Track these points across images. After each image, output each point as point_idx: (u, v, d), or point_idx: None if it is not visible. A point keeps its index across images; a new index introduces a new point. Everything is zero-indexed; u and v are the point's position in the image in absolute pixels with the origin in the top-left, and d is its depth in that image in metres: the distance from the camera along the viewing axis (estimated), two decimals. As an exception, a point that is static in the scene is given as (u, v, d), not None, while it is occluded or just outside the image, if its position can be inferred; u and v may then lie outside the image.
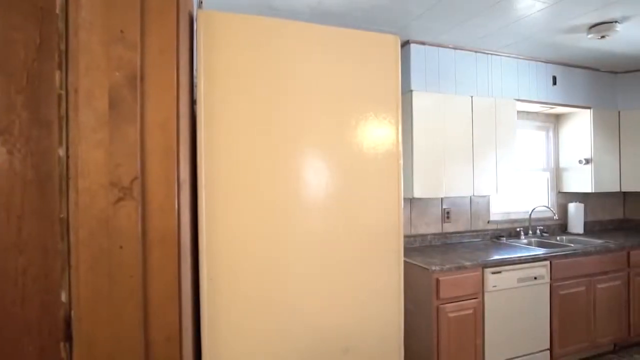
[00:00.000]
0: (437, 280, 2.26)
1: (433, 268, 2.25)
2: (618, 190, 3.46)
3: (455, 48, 2.74)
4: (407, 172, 2.61)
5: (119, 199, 0.63)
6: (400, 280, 1.15)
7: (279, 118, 1.08)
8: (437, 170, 2.64)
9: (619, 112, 3.46)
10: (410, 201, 2.94)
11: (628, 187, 3.43)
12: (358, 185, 1.17)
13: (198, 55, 0.97)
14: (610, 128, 3.42)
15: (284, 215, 1.08)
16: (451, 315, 2.29)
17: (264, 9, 2.15)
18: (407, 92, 2.62)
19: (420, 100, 2.58)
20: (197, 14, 0.99)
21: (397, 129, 1.16)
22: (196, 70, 0.98)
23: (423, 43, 2.64)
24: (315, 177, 1.12)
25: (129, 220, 0.63)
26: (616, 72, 3.45)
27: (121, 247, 0.63)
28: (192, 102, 0.99)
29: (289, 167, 1.09)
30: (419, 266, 2.37)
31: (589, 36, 2.51)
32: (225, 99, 1.01)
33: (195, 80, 1.00)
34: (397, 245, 1.16)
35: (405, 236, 2.90)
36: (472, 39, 2.61)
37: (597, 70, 3.37)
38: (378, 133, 1.17)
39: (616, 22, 2.35)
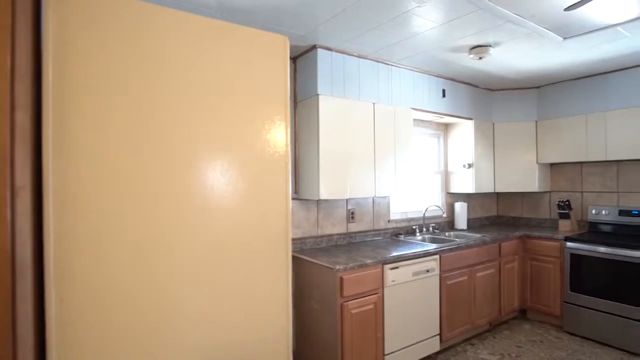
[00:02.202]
0: (341, 279, 2.34)
1: (337, 267, 2.32)
2: (493, 191, 4.03)
3: (359, 56, 2.88)
4: (314, 175, 2.65)
5: None
6: (288, 285, 1.14)
7: (154, 114, 0.97)
8: (342, 172, 2.74)
9: (494, 124, 4.03)
10: (317, 203, 3.00)
11: (500, 189, 4.02)
12: (244, 188, 1.12)
13: (45, 37, 0.81)
14: (487, 137, 3.96)
15: (158, 222, 0.98)
16: (354, 311, 2.39)
17: (163, -3, 1.98)
18: (313, 95, 2.66)
19: (326, 104, 2.65)
20: (44, -13, 0.82)
21: (286, 130, 1.15)
22: (44, 54, 0.82)
23: (329, 49, 2.71)
24: (195, 178, 1.04)
25: None
26: (491, 90, 4.02)
27: None
28: (38, 93, 0.83)
29: (163, 169, 0.99)
30: (324, 266, 2.42)
31: (470, 56, 2.86)
32: (84, 90, 0.87)
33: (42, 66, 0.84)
34: (285, 248, 1.15)
35: (313, 237, 2.95)
36: (375, 48, 2.77)
37: (477, 86, 3.87)
38: (266, 134, 1.14)
39: (490, 46, 2.72)
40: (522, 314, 3.77)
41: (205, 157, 1.06)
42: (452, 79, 3.60)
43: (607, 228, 3.56)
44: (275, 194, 1.15)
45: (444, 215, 3.91)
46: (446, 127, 4.09)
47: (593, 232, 3.61)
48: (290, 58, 2.88)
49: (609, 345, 3.04)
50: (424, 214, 3.68)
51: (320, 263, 2.47)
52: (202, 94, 1.06)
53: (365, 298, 2.46)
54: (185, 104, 1.03)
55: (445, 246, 3.00)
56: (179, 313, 1.01)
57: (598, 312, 3.11)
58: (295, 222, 2.86)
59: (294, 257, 2.77)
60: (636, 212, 3.36)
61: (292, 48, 2.71)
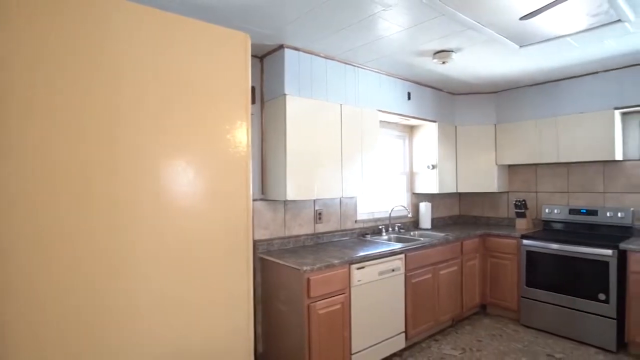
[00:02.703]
0: (308, 280, 2.33)
1: (304, 268, 2.31)
2: (455, 191, 4.17)
3: (326, 57, 2.89)
4: (281, 175, 2.63)
5: None
6: (249, 286, 1.12)
7: (105, 112, 0.92)
8: (309, 173, 2.73)
9: (456, 127, 4.18)
10: (284, 203, 2.97)
11: (462, 189, 4.18)
12: (203, 188, 1.09)
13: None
14: (450, 140, 4.10)
15: (110, 224, 0.93)
16: (321, 312, 2.39)
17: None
18: (280, 95, 2.64)
19: (293, 104, 2.63)
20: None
21: (247, 130, 1.13)
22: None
23: (297, 49, 2.70)
24: (151, 178, 0.99)
25: None
26: (454, 94, 4.17)
27: None
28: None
29: (116, 168, 0.94)
30: (291, 267, 2.40)
31: (434, 61, 2.95)
32: (26, 90, 0.81)
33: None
34: (246, 249, 1.12)
35: (280, 238, 2.92)
36: (342, 50, 2.79)
37: (441, 90, 4.00)
38: (226, 134, 1.11)
39: (452, 51, 2.82)
40: (483, 309, 3.94)
41: (161, 157, 1.02)
42: (417, 83, 3.69)
43: (559, 226, 3.78)
44: (236, 194, 1.13)
45: (409, 215, 4.00)
46: (411, 129, 4.19)
47: (546, 229, 3.83)
48: (258, 57, 2.84)
49: (561, 336, 3.24)
50: (390, 214, 3.75)
51: (287, 264, 2.45)
52: (159, 92, 1.01)
53: (332, 298, 2.46)
54: (140, 102, 0.98)
55: (410, 245, 3.06)
56: (133, 318, 0.96)
57: (551, 305, 3.30)
58: (263, 223, 2.83)
59: (260, 259, 2.73)
60: (584, 211, 3.60)
61: (259, 47, 2.67)
